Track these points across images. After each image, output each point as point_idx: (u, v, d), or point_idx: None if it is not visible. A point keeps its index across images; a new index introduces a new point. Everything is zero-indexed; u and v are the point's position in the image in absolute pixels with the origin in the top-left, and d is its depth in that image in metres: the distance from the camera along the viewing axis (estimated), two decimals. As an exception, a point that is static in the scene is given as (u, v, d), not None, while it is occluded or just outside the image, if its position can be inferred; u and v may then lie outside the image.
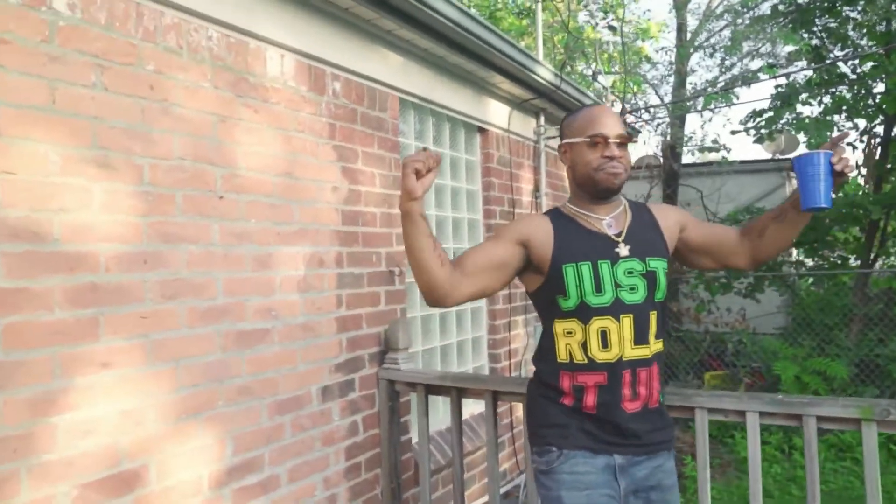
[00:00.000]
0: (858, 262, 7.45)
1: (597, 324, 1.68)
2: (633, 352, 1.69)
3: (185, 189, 2.14)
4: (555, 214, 1.81)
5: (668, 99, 9.34)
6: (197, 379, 2.15)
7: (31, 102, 1.74)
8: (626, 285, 1.69)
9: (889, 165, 6.92)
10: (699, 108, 8.30)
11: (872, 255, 7.19)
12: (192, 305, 2.15)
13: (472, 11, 3.07)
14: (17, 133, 1.71)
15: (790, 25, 6.41)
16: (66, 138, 1.81)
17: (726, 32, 8.25)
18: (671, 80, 9.20)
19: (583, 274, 1.68)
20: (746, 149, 22.01)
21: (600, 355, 1.68)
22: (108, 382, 1.89)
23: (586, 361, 1.69)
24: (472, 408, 3.72)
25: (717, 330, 8.60)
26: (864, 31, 6.38)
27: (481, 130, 4.05)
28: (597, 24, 7.27)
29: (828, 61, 6.69)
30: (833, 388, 6.47)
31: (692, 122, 9.23)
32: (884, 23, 6.06)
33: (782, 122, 6.88)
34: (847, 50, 6.63)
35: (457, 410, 2.73)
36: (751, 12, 6.90)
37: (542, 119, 4.56)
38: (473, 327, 4.01)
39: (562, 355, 1.72)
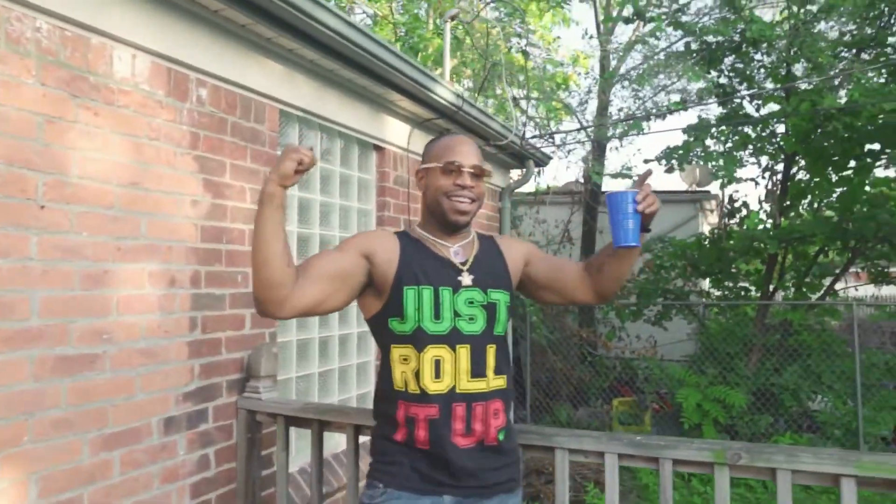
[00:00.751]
0: (759, 293, 7.72)
1: (431, 352, 1.62)
2: (468, 384, 1.64)
3: (-4, 196, 1.90)
4: (403, 235, 1.76)
5: (588, 124, 9.50)
6: (-2, 411, 1.89)
7: None
8: (465, 315, 1.65)
9: (788, 202, 7.22)
10: (617, 135, 8.46)
11: (772, 287, 7.46)
12: (-4, 328, 1.89)
13: (359, 23, 2.94)
14: None
15: (700, 63, 6.61)
16: None
17: (643, 66, 8.48)
18: (586, 107, 9.36)
19: (423, 298, 1.63)
20: (663, 180, 22.85)
21: (432, 386, 1.61)
22: None
23: (418, 392, 1.62)
24: (340, 440, 3.51)
25: (627, 357, 8.73)
26: (768, 73, 6.65)
27: (377, 148, 3.91)
28: (510, 48, 7.30)
29: (735, 99, 6.94)
30: (732, 416, 6.64)
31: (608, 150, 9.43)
32: (784, 66, 6.32)
33: (692, 153, 7.07)
34: (752, 90, 6.89)
35: (318, 445, 2.55)
36: (664, 50, 7.10)
37: (446, 140, 4.46)
38: (359, 352, 3.84)
39: (398, 383, 1.66)
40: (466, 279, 1.68)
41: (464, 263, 1.71)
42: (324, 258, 1.60)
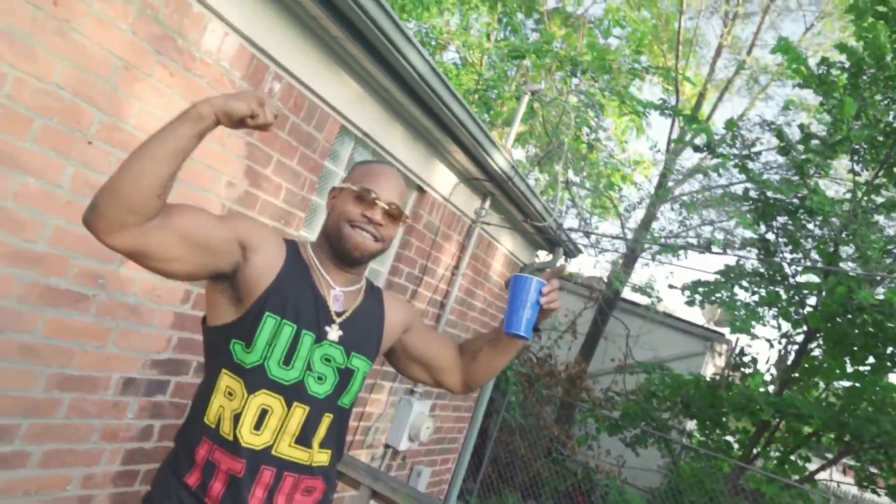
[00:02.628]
0: (741, 452, 7.53)
1: (262, 399, 1.36)
2: (289, 450, 1.40)
3: (51, 119, 1.95)
4: (293, 249, 1.49)
5: (629, 232, 9.53)
6: (-28, 318, 1.90)
7: None
8: (316, 371, 1.42)
9: (796, 375, 7.09)
10: (651, 254, 8.46)
11: (755, 452, 7.27)
12: (2, 240, 1.92)
13: (441, 72, 3.01)
14: None
15: (754, 213, 6.63)
16: (-76, 12, 1.62)
17: (698, 194, 8.53)
18: (631, 214, 9.42)
19: (281, 334, 1.38)
20: (684, 308, 22.69)
21: (248, 437, 1.35)
22: None
23: (230, 438, 1.35)
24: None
25: (591, 467, 8.53)
26: (815, 244, 6.63)
27: (420, 189, 3.96)
28: (578, 136, 7.41)
29: (776, 258, 6.92)
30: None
31: (641, 259, 9.44)
32: (832, 244, 6.30)
33: (717, 295, 7.03)
34: (795, 255, 6.87)
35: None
36: (724, 187, 7.15)
37: (488, 203, 4.51)
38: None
39: (210, 417, 1.38)
40: (334, 333, 1.44)
41: (339, 314, 1.47)
42: (198, 217, 1.30)
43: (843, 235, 6.04)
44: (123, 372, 2.41)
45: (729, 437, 8.04)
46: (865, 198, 6.27)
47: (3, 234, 1.92)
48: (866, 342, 6.14)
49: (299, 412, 1.39)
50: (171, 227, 1.23)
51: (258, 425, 1.36)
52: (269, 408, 1.37)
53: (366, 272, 1.60)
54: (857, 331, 6.06)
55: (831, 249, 6.49)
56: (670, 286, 7.03)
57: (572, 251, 5.66)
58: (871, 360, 6.40)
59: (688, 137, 9.26)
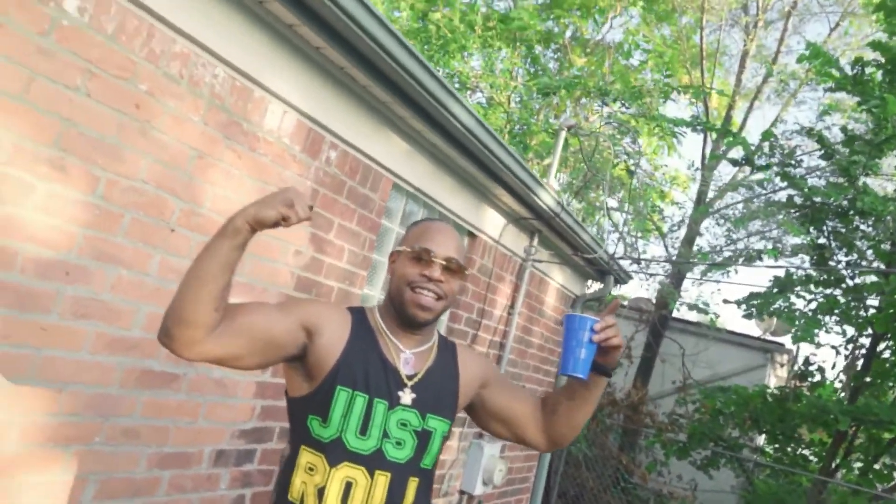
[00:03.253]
0: (820, 465, 7.25)
1: (345, 472, 1.37)
2: None
3: (138, 213, 2.08)
4: (358, 318, 1.51)
5: (673, 251, 9.44)
6: (80, 408, 2.00)
7: (3, 88, 1.71)
8: (394, 437, 1.41)
9: (868, 379, 6.86)
10: (699, 274, 8.35)
11: (835, 464, 7.00)
12: (103, 331, 2.03)
13: (484, 121, 3.10)
14: (-24, 113, 1.66)
15: (802, 220, 6.52)
16: (26, 130, 1.77)
17: (740, 205, 8.44)
18: (677, 234, 9.34)
19: (354, 405, 1.39)
20: (736, 321, 22.15)
21: None
22: (-20, 388, 1.76)
23: None
24: None
25: (663, 494, 8.30)
26: (870, 244, 6.48)
27: (471, 235, 4.03)
28: (616, 164, 7.45)
29: (830, 265, 6.77)
30: None
31: (686, 280, 9.31)
32: (889, 243, 6.15)
33: (774, 307, 6.88)
34: (850, 257, 6.72)
35: None
36: (766, 195, 7.07)
37: (536, 240, 4.55)
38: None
39: (294, 494, 1.40)
40: (407, 397, 1.44)
41: (411, 377, 1.47)
42: (258, 313, 1.36)
43: (900, 233, 5.89)
44: (214, 444, 2.49)
45: (804, 451, 7.77)
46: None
47: (104, 326, 2.03)
48: (939, 340, 5.93)
49: (382, 480, 1.39)
50: (236, 332, 1.30)
51: (344, 498, 1.36)
52: (353, 480, 1.37)
53: (436, 328, 1.59)
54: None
55: (888, 247, 6.34)
56: (725, 301, 6.92)
57: (623, 278, 5.65)
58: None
59: (721, 150, 9.22)
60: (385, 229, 3.35)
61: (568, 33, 10.41)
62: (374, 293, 3.36)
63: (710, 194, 9.54)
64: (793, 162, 6.58)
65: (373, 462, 1.39)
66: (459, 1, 7.81)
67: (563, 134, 4.88)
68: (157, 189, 2.13)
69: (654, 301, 10.41)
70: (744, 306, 6.91)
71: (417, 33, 7.94)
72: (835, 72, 6.07)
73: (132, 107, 2.01)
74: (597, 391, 1.49)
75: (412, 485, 1.43)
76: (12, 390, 1.83)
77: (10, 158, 1.75)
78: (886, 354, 6.84)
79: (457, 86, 9.43)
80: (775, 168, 6.59)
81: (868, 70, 5.99)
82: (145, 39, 2.02)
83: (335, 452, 1.38)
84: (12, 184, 1.76)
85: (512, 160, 3.48)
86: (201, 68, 2.20)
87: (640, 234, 9.40)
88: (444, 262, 1.45)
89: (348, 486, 1.37)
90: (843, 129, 6.18)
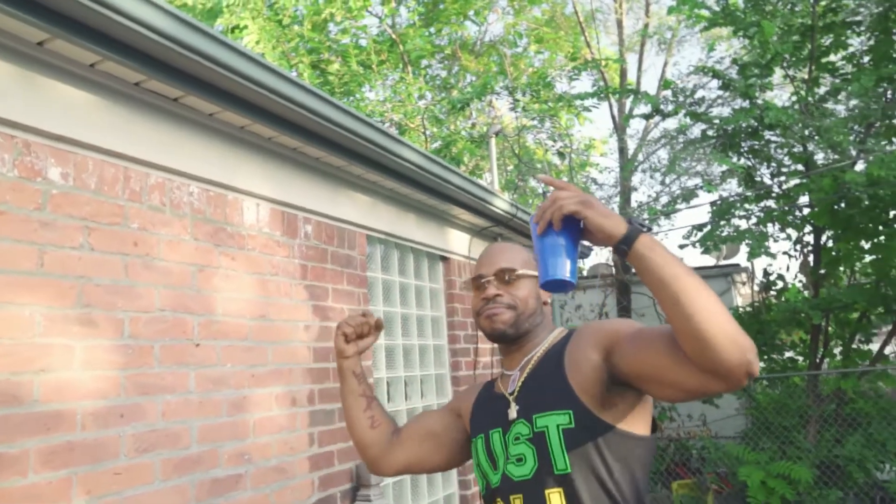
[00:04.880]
0: (807, 363, 7.76)
1: None
2: None
3: (164, 339, 2.20)
4: (490, 381, 1.56)
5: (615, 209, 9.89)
6: (169, 534, 2.10)
7: (20, 268, 1.82)
8: (513, 456, 1.33)
9: (823, 271, 7.39)
10: (647, 226, 8.76)
11: (819, 356, 7.51)
12: (167, 457, 2.14)
13: (432, 155, 3.32)
14: (4, 298, 1.77)
15: (720, 149, 7.01)
16: (51, 299, 1.88)
17: (663, 153, 8.96)
18: (616, 199, 9.81)
19: (478, 448, 1.42)
20: (691, 257, 23.02)
21: None
22: (80, 546, 1.84)
23: None
24: (446, 540, 3.64)
25: (681, 437, 8.66)
26: (786, 152, 7.02)
27: (444, 259, 4.24)
28: (546, 150, 7.81)
29: (756, 178, 7.29)
30: (799, 492, 6.53)
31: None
32: (801, 146, 6.69)
33: (723, 234, 7.35)
34: (772, 168, 7.25)
35: (432, 548, 2.70)
36: (683, 135, 7.55)
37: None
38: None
39: None
40: (513, 411, 1.36)
41: (513, 392, 1.40)
42: (419, 419, 1.58)
43: (807, 134, 6.43)
44: (290, 527, 2.60)
45: (790, 354, 8.28)
46: (810, 94, 6.69)
47: (167, 452, 2.14)
48: (870, 217, 6.48)
49: (518, 503, 1.31)
50: (402, 442, 1.54)
51: None
52: None
53: (546, 334, 1.46)
54: (857, 210, 6.41)
55: (802, 151, 6.88)
56: (680, 246, 7.33)
57: (585, 252, 5.95)
58: (882, 229, 6.73)
59: (628, 109, 9.75)
60: (372, 279, 3.52)
61: (445, 41, 10.79)
62: (382, 342, 3.52)
63: (634, 153, 10.06)
64: (695, 99, 7.08)
65: (505, 489, 1.33)
66: (350, 45, 8.07)
67: (493, 141, 5.16)
68: (175, 312, 2.25)
69: (612, 264, 10.86)
70: (698, 243, 7.34)
71: (321, 87, 8.13)
72: (705, 12, 6.59)
73: (131, 246, 2.14)
74: (649, 265, 1.09)
75: (554, 497, 1.26)
76: (108, 539, 1.92)
77: (46, 330, 1.85)
78: (830, 244, 7.40)
79: (379, 121, 9.67)
80: (683, 111, 7.06)
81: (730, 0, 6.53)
82: (124, 183, 2.15)
83: (490, 497, 1.39)
84: (55, 351, 1.86)
85: (464, 181, 3.71)
86: (177, 191, 2.34)
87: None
88: (492, 278, 1.42)
89: None
90: (734, 61, 6.71)
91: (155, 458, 2.10)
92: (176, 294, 2.27)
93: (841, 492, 6.56)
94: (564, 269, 1.14)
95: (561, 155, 7.49)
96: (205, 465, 2.27)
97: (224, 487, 2.33)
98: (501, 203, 4.24)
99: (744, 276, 11.96)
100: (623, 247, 1.11)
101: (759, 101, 6.46)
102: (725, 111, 7.43)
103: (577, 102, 7.21)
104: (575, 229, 1.15)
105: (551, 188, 1.18)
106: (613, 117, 10.04)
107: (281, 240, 2.79)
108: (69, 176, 1.98)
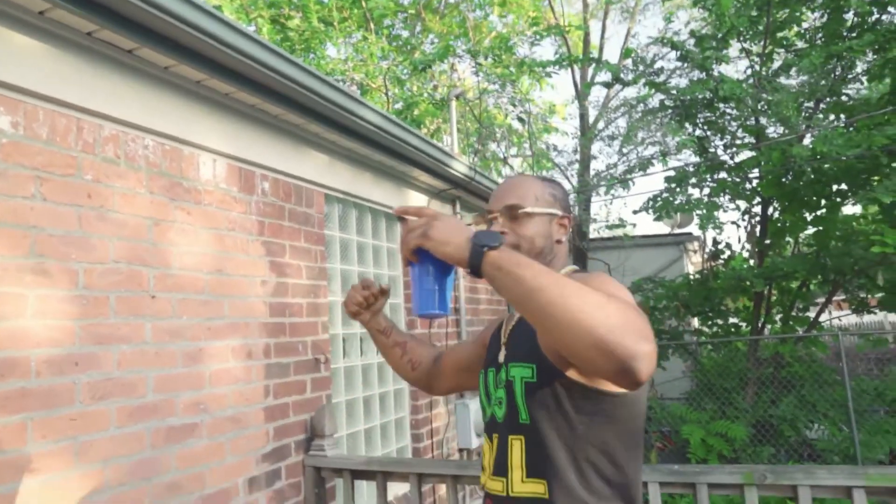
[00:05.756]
0: (750, 328, 8.13)
1: (484, 444, 1.42)
2: (490, 482, 1.33)
3: (119, 291, 2.22)
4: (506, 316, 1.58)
5: (574, 182, 10.07)
6: (125, 478, 2.17)
7: (-29, 216, 1.82)
8: (495, 398, 1.37)
9: (768, 241, 7.71)
10: (602, 192, 8.98)
11: (761, 323, 7.88)
12: (123, 405, 2.19)
13: (392, 115, 3.35)
14: (-44, 246, 1.77)
15: (676, 119, 7.17)
16: (4, 249, 1.88)
17: (622, 123, 9.10)
18: (576, 166, 9.96)
19: (481, 382, 1.46)
20: (647, 225, 23.53)
21: (482, 480, 1.41)
22: (35, 488, 1.90)
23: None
24: (396, 489, 3.78)
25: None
26: (739, 124, 7.22)
27: (401, 219, 4.28)
28: (507, 114, 7.85)
29: (710, 150, 7.49)
30: (735, 449, 6.94)
31: (596, 202, 9.95)
32: (753, 119, 6.89)
33: (676, 203, 7.57)
34: (725, 140, 7.46)
35: (382, 495, 2.83)
36: (641, 104, 7.68)
37: (458, 206, 4.87)
38: (396, 408, 4.12)
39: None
40: (502, 356, 1.39)
41: (507, 337, 1.43)
42: (453, 351, 1.66)
43: (759, 107, 6.62)
44: (245, 474, 2.69)
45: (734, 321, 8.66)
46: (764, 68, 6.87)
47: (123, 400, 2.19)
48: (814, 190, 6.76)
49: (495, 443, 1.34)
50: (444, 373, 1.66)
51: (482, 466, 1.41)
52: (483, 447, 1.43)
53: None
54: (802, 183, 6.68)
55: (753, 122, 7.10)
56: (635, 212, 7.52)
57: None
58: (824, 203, 7.04)
59: (590, 77, 9.83)
60: (330, 238, 3.57)
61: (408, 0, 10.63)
62: (338, 299, 3.59)
63: (594, 121, 10.18)
64: (655, 70, 7.19)
65: (490, 428, 1.37)
66: (311, 0, 7.90)
67: (454, 104, 5.18)
68: (130, 264, 2.27)
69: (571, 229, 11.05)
70: (652, 210, 7.55)
71: (281, 43, 7.96)
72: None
73: (85, 197, 2.14)
74: (498, 285, 1.06)
75: (516, 444, 1.27)
76: (62, 482, 1.97)
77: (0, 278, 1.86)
78: (776, 216, 7.70)
79: (340, 80, 9.53)
80: (643, 80, 7.18)
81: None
82: (76, 133, 2.14)
83: (484, 428, 1.43)
84: (8, 300, 1.88)
85: (423, 143, 3.75)
86: (132, 143, 2.34)
87: (543, 173, 9.95)
88: (500, 216, 1.38)
89: (480, 455, 1.69)
90: (692, 33, 6.83)
91: (111, 405, 2.15)
92: (131, 246, 2.29)
93: (773, 448, 6.98)
94: (432, 302, 1.16)
95: (521, 120, 7.54)
96: (161, 413, 2.33)
97: (180, 435, 2.40)
98: (460, 166, 4.30)
99: (696, 245, 12.35)
100: (470, 270, 1.08)
101: (716, 74, 6.61)
102: (683, 82, 7.58)
103: (539, 69, 7.25)
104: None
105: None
106: (575, 83, 10.12)
107: (238, 196, 2.81)
108: (19, 125, 1.97)
